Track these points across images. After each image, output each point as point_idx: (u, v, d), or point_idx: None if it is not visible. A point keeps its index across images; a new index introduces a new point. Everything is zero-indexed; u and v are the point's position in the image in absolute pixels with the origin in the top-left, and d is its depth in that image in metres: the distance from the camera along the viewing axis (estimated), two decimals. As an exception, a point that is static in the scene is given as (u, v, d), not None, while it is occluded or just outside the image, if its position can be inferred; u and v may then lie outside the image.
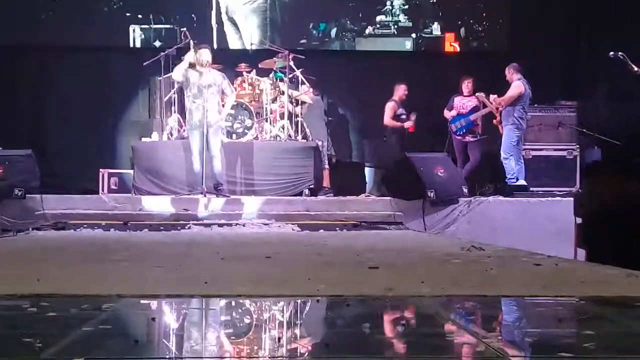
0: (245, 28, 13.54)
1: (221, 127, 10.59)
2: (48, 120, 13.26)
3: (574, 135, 11.69)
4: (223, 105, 10.59)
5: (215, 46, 12.78)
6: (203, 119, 10.13)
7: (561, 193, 10.80)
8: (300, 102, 11.68)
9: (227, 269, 5.03)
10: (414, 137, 12.68)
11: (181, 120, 11.23)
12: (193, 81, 10.25)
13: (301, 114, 11.69)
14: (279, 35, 13.43)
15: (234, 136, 11.17)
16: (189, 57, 10.36)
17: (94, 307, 3.54)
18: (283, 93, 11.46)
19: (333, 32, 13.69)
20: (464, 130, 11.71)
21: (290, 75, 11.54)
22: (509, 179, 10.96)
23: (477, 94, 11.65)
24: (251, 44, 13.23)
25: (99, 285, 4.14)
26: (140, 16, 13.41)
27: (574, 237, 7.94)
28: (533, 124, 11.49)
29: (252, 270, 4.96)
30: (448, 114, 11.84)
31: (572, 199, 8.83)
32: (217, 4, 13.48)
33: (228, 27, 13.54)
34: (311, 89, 11.98)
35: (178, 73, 10.38)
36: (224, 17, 13.53)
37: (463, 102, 11.79)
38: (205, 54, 10.28)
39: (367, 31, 13.77)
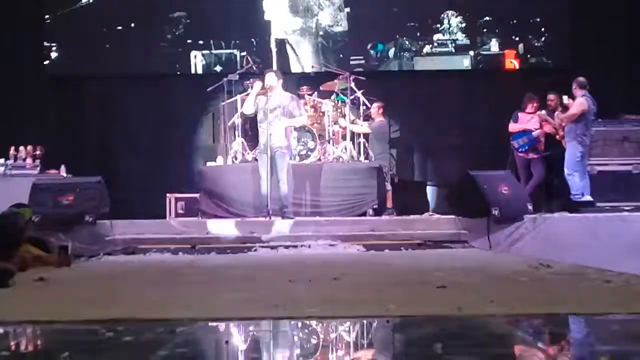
0: (301, 52, 13.63)
1: (290, 150, 10.52)
2: (115, 147, 13.53)
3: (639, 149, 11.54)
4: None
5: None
6: (267, 142, 10.19)
7: (629, 208, 10.66)
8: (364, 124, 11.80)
9: (295, 291, 5.06)
10: (475, 155, 12.63)
11: (245, 144, 11.35)
12: (260, 106, 10.32)
13: (363, 135, 11.78)
14: (337, 57, 13.51)
15: (297, 158, 11.27)
16: (256, 87, 10.41)
17: (168, 331, 3.61)
18: (345, 115, 11.55)
19: (391, 52, 13.71)
20: (527, 147, 11.63)
21: (352, 97, 11.63)
22: (574, 194, 10.85)
23: (537, 112, 11.58)
24: (312, 66, 13.35)
25: (172, 309, 4.22)
26: (201, 42, 13.60)
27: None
28: (597, 139, 11.32)
29: (320, 291, 4.99)
30: (514, 127, 11.76)
31: (640, 214, 8.70)
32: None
33: (288, 51, 13.64)
34: (381, 109, 12.09)
35: (249, 107, 10.44)
36: (281, 42, 13.64)
37: (526, 119, 11.72)
38: (270, 78, 10.32)
39: (425, 50, 13.76)
